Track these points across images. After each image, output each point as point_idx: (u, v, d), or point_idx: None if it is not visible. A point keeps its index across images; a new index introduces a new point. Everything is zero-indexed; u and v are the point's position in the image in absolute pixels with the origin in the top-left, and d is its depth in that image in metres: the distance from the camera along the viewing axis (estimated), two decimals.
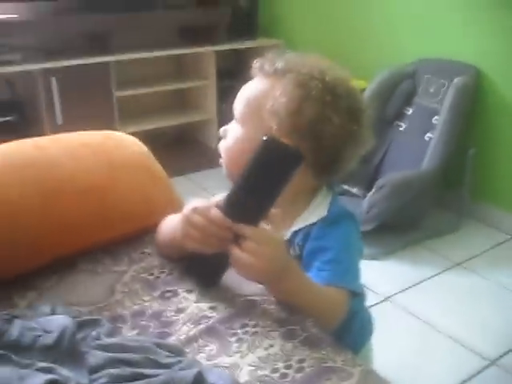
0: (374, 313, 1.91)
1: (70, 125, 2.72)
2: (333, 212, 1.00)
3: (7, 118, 2.81)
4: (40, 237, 1.05)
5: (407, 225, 2.45)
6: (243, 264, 0.85)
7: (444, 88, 2.51)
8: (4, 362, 0.72)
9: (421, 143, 2.50)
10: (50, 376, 0.69)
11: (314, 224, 0.99)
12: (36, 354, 0.76)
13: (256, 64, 1.03)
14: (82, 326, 0.84)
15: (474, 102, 2.50)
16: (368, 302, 1.98)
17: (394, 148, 2.63)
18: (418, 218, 2.49)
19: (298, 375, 0.77)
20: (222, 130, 1.05)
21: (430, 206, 2.55)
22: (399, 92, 2.66)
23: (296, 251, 1.00)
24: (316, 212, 1.00)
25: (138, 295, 0.99)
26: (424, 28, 2.70)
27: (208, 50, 3.16)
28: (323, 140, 0.94)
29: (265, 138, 0.84)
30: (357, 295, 0.99)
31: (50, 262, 1.08)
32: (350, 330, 0.96)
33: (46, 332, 0.78)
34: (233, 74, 3.17)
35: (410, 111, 2.64)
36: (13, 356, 0.74)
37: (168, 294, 0.98)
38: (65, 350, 0.76)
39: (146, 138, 3.13)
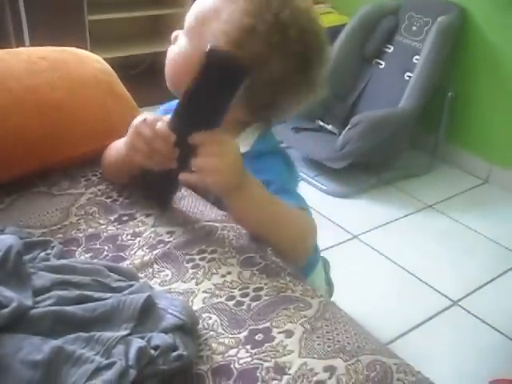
0: (343, 250, 1.92)
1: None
2: (257, 148, 0.96)
3: None
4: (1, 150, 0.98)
5: (380, 164, 2.42)
6: (208, 169, 0.81)
7: (427, 27, 2.44)
8: None
9: (400, 82, 2.45)
10: None
11: None
12: None
13: None
14: (31, 246, 0.79)
15: (456, 43, 2.44)
16: (337, 240, 2.00)
17: (372, 86, 2.57)
18: (392, 158, 2.46)
19: (254, 303, 0.74)
20: (174, 34, 0.98)
21: (404, 147, 2.52)
22: (380, 29, 2.59)
23: None
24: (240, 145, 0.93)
25: (94, 218, 0.95)
26: None
27: None
28: (259, 81, 0.85)
29: (208, 49, 0.78)
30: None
31: (4, 182, 1.03)
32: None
33: None
34: None
35: (390, 49, 2.57)
36: None
37: (125, 218, 0.94)
38: (9, 270, 0.71)
39: (118, 65, 3.03)
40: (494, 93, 2.43)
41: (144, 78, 3.04)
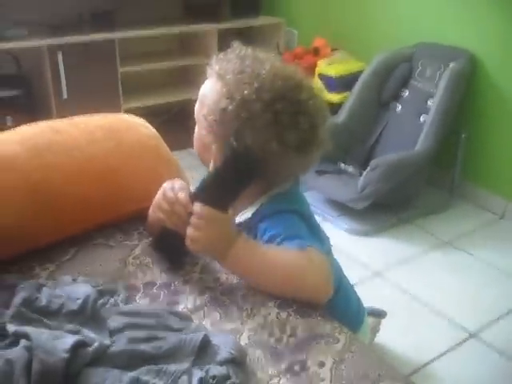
0: (365, 287, 2.04)
1: (75, 99, 2.85)
2: (267, 210, 1.07)
3: (14, 93, 2.89)
4: (61, 214, 1.15)
5: (399, 203, 2.55)
6: (190, 238, 0.98)
7: (440, 72, 2.59)
8: (37, 324, 0.83)
9: (415, 125, 2.59)
10: (77, 337, 0.80)
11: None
12: (63, 318, 0.87)
13: (211, 62, 1.11)
14: (101, 293, 0.95)
15: (468, 87, 2.58)
16: (358, 277, 2.12)
17: (390, 129, 2.72)
18: (410, 197, 2.60)
19: (291, 339, 0.89)
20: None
21: (422, 186, 2.65)
22: (396, 74, 2.74)
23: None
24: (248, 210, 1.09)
25: (149, 267, 1.10)
26: (423, 12, 2.76)
27: (211, 27, 3.23)
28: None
29: (234, 147, 0.95)
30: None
31: (68, 237, 1.19)
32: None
33: (71, 299, 0.89)
34: None
35: (406, 93, 2.72)
36: (44, 319, 0.85)
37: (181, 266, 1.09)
38: (88, 315, 0.87)
39: (149, 112, 3.24)
40: (505, 132, 2.55)
41: (172, 124, 3.22)
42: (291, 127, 1.01)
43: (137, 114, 1.53)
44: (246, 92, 1.00)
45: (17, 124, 2.76)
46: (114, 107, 2.98)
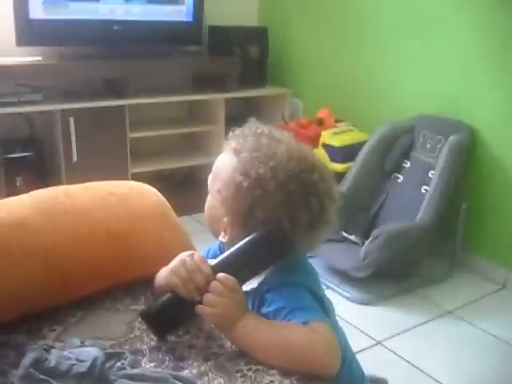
0: (367, 356, 2.04)
1: (85, 162, 2.92)
2: (272, 282, 1.08)
3: (26, 154, 2.97)
4: (70, 276, 1.18)
5: (401, 272, 2.58)
6: (209, 302, 1.01)
7: (440, 144, 2.66)
8: None
9: (417, 195, 2.65)
10: None
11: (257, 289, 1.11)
12: (71, 380, 0.89)
13: (228, 137, 1.17)
14: (108, 357, 0.97)
15: (468, 159, 2.65)
16: (360, 346, 2.12)
17: (392, 199, 2.78)
18: (412, 267, 2.63)
19: None
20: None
21: (423, 255, 2.68)
22: (398, 145, 2.82)
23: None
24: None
25: None
26: (424, 86, 2.87)
27: (218, 97, 3.34)
28: (253, 227, 1.05)
29: (270, 227, 0.99)
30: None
31: (77, 299, 1.22)
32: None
33: (79, 361, 0.92)
34: (241, 120, 3.32)
35: (407, 164, 2.79)
36: (52, 381, 0.87)
37: (181, 332, 1.11)
38: (96, 378, 0.89)
39: (155, 177, 3.30)
40: (506, 202, 2.61)
41: (177, 189, 3.28)
42: (302, 207, 1.05)
43: (143, 178, 1.59)
44: (261, 170, 1.04)
45: (26, 185, 2.86)
46: (121, 171, 3.06)
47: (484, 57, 2.58)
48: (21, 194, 1.30)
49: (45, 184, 2.15)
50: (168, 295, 1.10)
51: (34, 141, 3.07)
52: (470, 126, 2.64)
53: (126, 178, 2.95)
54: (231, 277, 1.02)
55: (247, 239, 1.03)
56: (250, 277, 1.06)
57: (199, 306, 1.03)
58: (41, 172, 3.03)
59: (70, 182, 1.41)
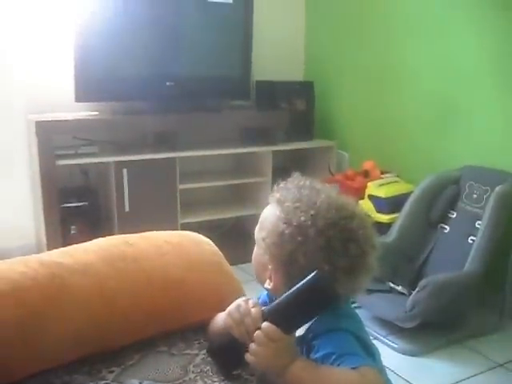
0: None
1: (136, 212, 3.03)
2: (319, 328, 1.11)
3: (81, 203, 3.10)
4: (129, 320, 1.25)
5: (449, 324, 2.56)
6: (251, 351, 1.06)
7: (486, 195, 2.67)
8: None
9: (464, 246, 2.64)
10: None
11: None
12: None
13: (273, 189, 1.23)
14: None
15: None
16: None
17: (439, 249, 2.78)
18: (460, 318, 2.60)
19: None
20: None
21: (472, 306, 2.66)
22: (444, 196, 2.83)
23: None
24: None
25: (208, 376, 1.18)
26: (470, 136, 2.90)
27: (266, 149, 3.43)
28: (295, 273, 1.09)
29: (315, 274, 1.04)
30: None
31: (134, 343, 1.28)
32: None
33: None
34: (288, 171, 3.39)
35: (454, 215, 2.80)
36: None
37: (234, 376, 1.16)
38: None
39: (204, 227, 3.38)
40: None
41: (226, 239, 3.34)
42: (342, 253, 1.09)
43: (192, 229, 1.66)
44: (302, 218, 1.10)
45: (80, 233, 2.98)
46: (171, 221, 3.15)
47: None
48: (75, 242, 1.39)
49: (98, 233, 2.25)
50: (222, 336, 1.16)
51: (89, 191, 3.20)
52: None
53: (175, 228, 3.03)
54: (273, 326, 1.06)
55: (294, 288, 1.07)
56: (298, 325, 1.10)
57: (246, 355, 1.08)
58: (94, 221, 3.15)
59: (122, 231, 1.49)
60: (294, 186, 1.19)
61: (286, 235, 1.11)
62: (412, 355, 2.41)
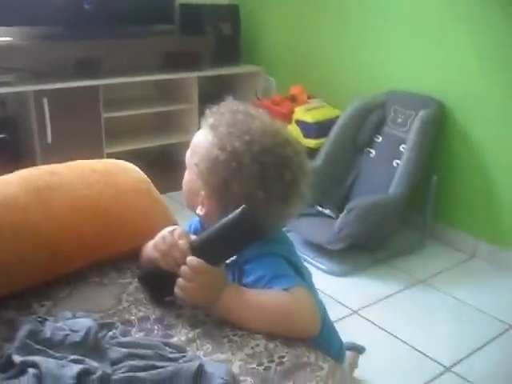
0: (344, 325, 2.11)
1: (59, 143, 2.92)
2: (252, 253, 1.13)
3: (0, 136, 2.96)
4: (57, 252, 1.22)
5: (375, 244, 2.65)
6: (179, 287, 1.07)
7: (411, 119, 2.72)
8: (42, 355, 0.89)
9: (389, 169, 2.71)
10: (82, 366, 0.86)
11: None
12: (66, 349, 0.93)
13: (205, 114, 1.20)
14: (100, 327, 1.01)
15: (438, 133, 2.72)
16: (337, 315, 2.19)
17: (365, 172, 2.84)
18: (386, 238, 2.70)
19: (279, 368, 0.96)
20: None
21: (396, 227, 2.76)
22: (370, 121, 2.87)
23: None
24: None
25: (142, 303, 1.17)
26: (394, 62, 2.92)
27: (192, 75, 3.35)
28: (229, 200, 1.09)
29: (241, 209, 1.03)
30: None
31: (64, 275, 1.25)
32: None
33: (73, 331, 0.96)
34: (215, 98, 3.34)
35: (379, 139, 2.85)
36: (48, 350, 0.91)
37: (167, 303, 1.16)
38: (90, 346, 0.93)
39: (131, 156, 3.30)
40: (474, 175, 2.69)
41: (153, 168, 3.30)
42: (276, 179, 1.09)
43: (118, 158, 1.61)
44: (236, 144, 1.09)
45: (1, 167, 2.84)
46: (96, 151, 3.06)
47: (452, 32, 2.64)
48: None
49: (19, 166, 2.15)
50: (151, 267, 1.15)
51: (7, 123, 3.05)
52: (439, 101, 2.70)
53: (101, 158, 2.95)
54: (198, 260, 1.05)
55: (221, 223, 1.06)
56: (226, 258, 1.11)
57: (175, 289, 1.08)
58: (15, 154, 3.01)
59: (45, 163, 1.43)
60: (228, 110, 1.16)
61: (220, 161, 1.09)
62: (340, 275, 2.49)
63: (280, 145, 1.12)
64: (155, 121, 3.62)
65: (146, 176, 1.43)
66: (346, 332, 1.93)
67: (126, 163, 1.46)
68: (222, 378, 0.87)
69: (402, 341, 2.06)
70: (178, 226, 1.18)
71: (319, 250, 2.59)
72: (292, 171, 1.11)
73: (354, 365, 1.76)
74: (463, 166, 2.72)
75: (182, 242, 1.09)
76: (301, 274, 1.18)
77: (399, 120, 2.79)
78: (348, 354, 1.64)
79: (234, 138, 1.09)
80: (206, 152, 1.12)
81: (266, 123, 1.14)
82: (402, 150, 2.70)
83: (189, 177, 1.20)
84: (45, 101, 2.88)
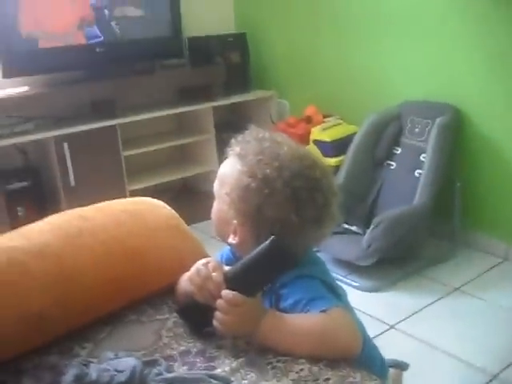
0: (381, 341, 2.09)
1: (82, 185, 2.97)
2: (288, 275, 1.11)
3: (23, 185, 3.01)
4: (93, 296, 1.23)
5: (405, 256, 2.64)
6: (218, 320, 1.07)
7: (428, 127, 2.73)
8: None
9: (411, 180, 2.71)
10: None
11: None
12: None
13: (231, 144, 1.20)
14: (145, 364, 1.02)
15: (456, 139, 2.71)
16: (374, 332, 2.17)
17: (387, 186, 2.84)
18: (415, 249, 2.69)
19: None
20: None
21: (424, 237, 2.74)
22: (387, 133, 2.88)
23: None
24: None
25: (182, 337, 1.18)
26: (407, 73, 2.93)
27: (205, 106, 3.39)
28: (263, 226, 1.10)
29: (271, 239, 1.04)
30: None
31: (102, 317, 1.26)
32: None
33: (118, 371, 0.96)
34: (230, 126, 3.38)
35: (398, 151, 2.85)
36: None
37: (208, 333, 1.16)
38: None
39: (153, 192, 3.33)
40: (498, 176, 2.67)
41: (176, 201, 3.32)
42: (308, 202, 1.10)
43: (141, 195, 1.62)
44: (267, 171, 1.10)
45: (28, 214, 2.89)
46: (119, 189, 3.10)
47: (461, 35, 2.64)
48: (24, 223, 1.34)
49: (46, 211, 2.19)
50: (188, 301, 1.16)
51: (30, 170, 3.11)
52: (455, 107, 2.70)
53: (124, 197, 2.98)
54: (233, 293, 1.05)
55: (252, 253, 1.07)
56: (260, 288, 1.10)
57: (213, 322, 1.08)
58: (40, 199, 3.07)
59: (70, 207, 1.45)
60: (253, 138, 1.18)
61: (251, 189, 1.10)
62: (373, 291, 2.48)
63: (309, 168, 1.13)
64: (174, 154, 3.66)
65: (173, 211, 1.45)
66: (385, 348, 1.90)
67: (154, 200, 1.47)
68: None
69: (444, 352, 2.04)
70: (211, 258, 1.19)
71: (349, 267, 2.59)
72: (323, 193, 1.12)
73: (398, 382, 1.73)
74: (486, 169, 2.71)
75: (215, 275, 1.10)
76: (337, 294, 1.18)
77: (416, 130, 2.79)
78: (391, 371, 1.63)
79: (264, 166, 1.11)
80: (237, 181, 1.13)
81: (292, 148, 1.16)
82: (422, 159, 2.70)
83: (218, 207, 1.21)
84: (65, 145, 2.94)
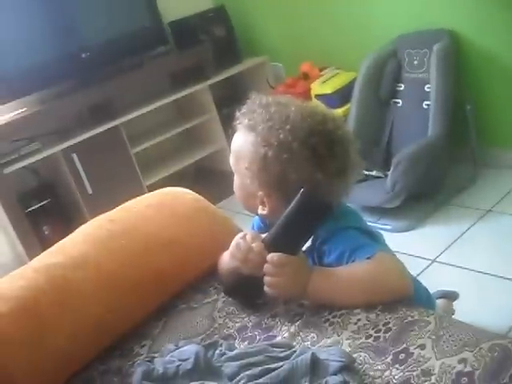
0: (426, 276, 2.09)
1: (100, 190, 2.98)
2: (326, 231, 1.13)
3: (43, 203, 3.03)
4: (140, 294, 1.26)
5: (430, 190, 2.62)
6: (268, 284, 1.07)
7: (427, 57, 2.68)
8: None
9: (421, 112, 2.67)
10: None
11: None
12: (182, 379, 0.95)
13: (237, 117, 1.19)
14: (206, 348, 1.03)
15: (458, 62, 2.67)
16: (417, 269, 2.17)
17: (398, 124, 2.81)
18: (438, 181, 2.66)
19: (387, 334, 0.97)
20: None
21: (445, 167, 2.72)
22: (387, 72, 2.83)
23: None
24: None
25: (235, 315, 1.19)
26: (397, 5, 2.86)
27: (201, 86, 3.36)
28: (290, 191, 1.09)
29: (301, 192, 1.04)
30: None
31: (153, 312, 1.28)
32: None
33: (183, 360, 0.98)
34: (230, 100, 3.36)
35: (402, 87, 2.81)
36: None
37: (259, 306, 1.17)
38: (204, 370, 0.95)
39: (170, 181, 3.34)
40: (506, 91, 2.63)
41: (194, 185, 3.33)
42: (328, 157, 1.10)
43: (159, 187, 1.62)
44: (281, 136, 1.09)
45: (55, 232, 2.91)
46: (136, 187, 3.10)
47: None
48: (52, 241, 1.36)
49: (71, 224, 2.20)
50: (235, 277, 1.17)
51: (46, 188, 3.12)
52: (450, 31, 2.64)
53: (142, 193, 2.99)
54: (277, 254, 1.06)
55: (286, 212, 1.07)
56: (302, 244, 1.11)
57: (264, 289, 1.09)
58: (63, 214, 3.08)
59: (93, 214, 1.46)
60: (258, 106, 1.16)
61: (270, 157, 1.09)
62: (407, 230, 2.47)
63: (321, 123, 1.12)
64: (181, 140, 3.64)
65: (198, 195, 1.45)
66: (432, 282, 1.91)
67: (176, 189, 1.48)
68: (339, 361, 0.88)
69: (490, 274, 2.03)
70: (247, 231, 1.19)
71: (378, 212, 2.58)
72: (340, 144, 1.12)
73: (450, 312, 1.74)
74: (493, 86, 2.66)
75: (256, 244, 1.10)
76: (376, 239, 1.18)
77: (415, 62, 2.75)
78: (442, 302, 1.64)
79: (276, 131, 1.10)
80: (253, 153, 1.12)
81: (300, 107, 1.15)
82: (427, 90, 2.66)
83: (240, 182, 1.20)
84: (74, 156, 2.94)
